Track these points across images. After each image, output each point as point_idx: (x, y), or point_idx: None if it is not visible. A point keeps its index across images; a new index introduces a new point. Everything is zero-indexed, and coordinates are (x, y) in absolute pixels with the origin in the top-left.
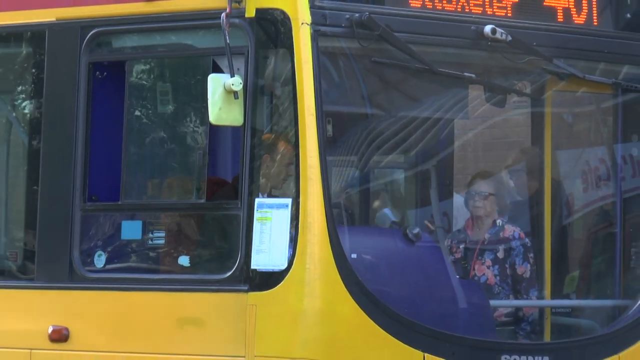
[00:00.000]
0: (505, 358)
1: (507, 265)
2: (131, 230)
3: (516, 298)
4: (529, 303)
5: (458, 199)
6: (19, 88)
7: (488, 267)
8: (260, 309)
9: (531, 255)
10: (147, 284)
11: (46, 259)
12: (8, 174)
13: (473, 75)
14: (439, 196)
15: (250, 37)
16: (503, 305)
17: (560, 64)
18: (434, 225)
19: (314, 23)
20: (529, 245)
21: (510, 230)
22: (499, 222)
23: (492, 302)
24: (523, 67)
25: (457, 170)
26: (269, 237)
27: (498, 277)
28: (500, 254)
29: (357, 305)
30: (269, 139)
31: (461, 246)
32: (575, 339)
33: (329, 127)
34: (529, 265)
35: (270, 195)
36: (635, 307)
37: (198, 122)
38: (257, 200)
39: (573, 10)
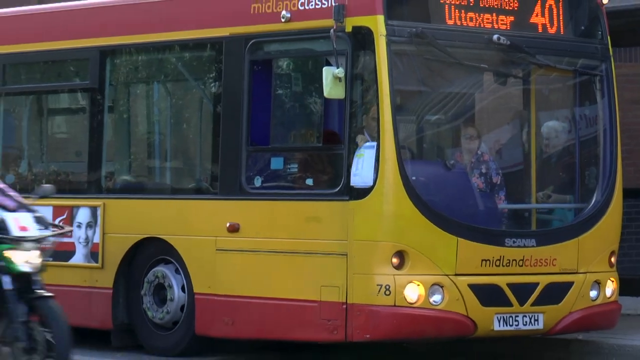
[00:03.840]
0: (507, 240)
1: (488, 177)
2: (276, 163)
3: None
4: (523, 206)
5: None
6: (207, 77)
7: (478, 178)
8: (357, 212)
9: (500, 170)
10: (287, 196)
11: (225, 181)
12: (202, 130)
13: (486, 66)
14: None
15: (348, 44)
16: (507, 207)
17: (540, 58)
18: (452, 161)
19: (388, 35)
20: (498, 165)
21: (487, 156)
22: (479, 151)
23: (500, 205)
24: (517, 60)
25: (477, 125)
26: (362, 166)
27: (484, 184)
28: (484, 170)
29: (415, 208)
30: (362, 107)
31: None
32: (550, 228)
33: (398, 99)
34: (499, 177)
35: (362, 141)
36: (588, 208)
37: (317, 96)
38: None
39: (548, 25)
